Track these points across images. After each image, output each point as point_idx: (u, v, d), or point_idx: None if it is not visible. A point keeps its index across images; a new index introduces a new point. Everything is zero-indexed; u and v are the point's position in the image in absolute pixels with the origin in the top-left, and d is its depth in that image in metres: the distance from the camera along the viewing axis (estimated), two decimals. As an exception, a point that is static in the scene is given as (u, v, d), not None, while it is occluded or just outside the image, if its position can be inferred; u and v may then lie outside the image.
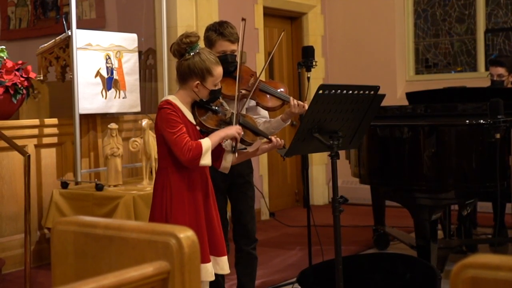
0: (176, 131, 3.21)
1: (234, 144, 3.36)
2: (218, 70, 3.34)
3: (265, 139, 3.56)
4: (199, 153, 3.19)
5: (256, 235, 4.33)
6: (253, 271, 4.36)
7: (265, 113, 4.14)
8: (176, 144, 3.20)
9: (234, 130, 3.33)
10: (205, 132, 3.40)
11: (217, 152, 3.44)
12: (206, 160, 3.22)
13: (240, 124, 3.44)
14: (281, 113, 4.11)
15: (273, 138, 3.48)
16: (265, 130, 3.85)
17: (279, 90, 4.05)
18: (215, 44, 3.99)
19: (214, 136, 3.29)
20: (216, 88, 3.35)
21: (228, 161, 3.49)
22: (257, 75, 3.97)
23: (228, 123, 3.40)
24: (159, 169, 3.39)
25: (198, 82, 3.29)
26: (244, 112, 3.95)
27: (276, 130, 4.04)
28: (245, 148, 3.87)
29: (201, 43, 3.51)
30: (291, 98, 3.99)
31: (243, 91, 3.86)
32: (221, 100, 3.50)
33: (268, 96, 4.02)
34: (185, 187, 3.30)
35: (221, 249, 3.42)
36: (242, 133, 3.36)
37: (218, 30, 4.00)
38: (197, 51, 3.32)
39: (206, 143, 3.23)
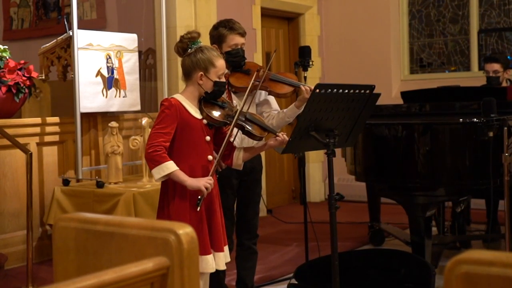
0: (158, 127, 3.30)
1: (199, 197, 3.28)
2: (221, 62, 3.44)
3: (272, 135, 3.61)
4: (158, 161, 3.24)
5: (257, 231, 4.39)
6: (253, 265, 4.41)
7: (275, 105, 4.22)
8: (150, 137, 3.31)
9: (202, 183, 3.28)
10: (213, 126, 3.46)
11: (227, 150, 3.50)
12: (156, 174, 3.25)
13: (246, 119, 3.50)
14: (293, 101, 4.17)
15: (280, 134, 3.53)
16: (280, 120, 3.95)
17: (289, 79, 4.15)
18: (226, 39, 4.08)
19: (182, 175, 3.27)
20: (220, 80, 3.43)
21: (239, 157, 3.55)
22: (266, 67, 4.06)
23: (234, 117, 3.45)
24: None
25: (201, 73, 3.39)
26: (254, 106, 4.05)
27: (291, 118, 4.08)
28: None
29: (203, 41, 3.59)
30: (301, 84, 4.07)
31: (254, 82, 3.97)
32: (226, 99, 3.58)
33: (279, 83, 4.11)
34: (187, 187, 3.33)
35: (219, 244, 3.45)
36: (211, 187, 3.29)
37: (228, 25, 4.09)
38: (199, 46, 3.44)
39: (171, 165, 3.25)
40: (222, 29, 4.10)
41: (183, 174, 3.29)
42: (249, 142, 3.90)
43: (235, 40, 4.08)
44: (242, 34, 4.12)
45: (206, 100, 3.46)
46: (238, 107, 3.57)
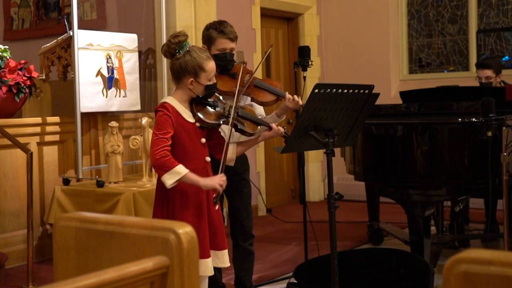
0: (159, 133, 3.25)
1: (215, 195, 3.30)
2: (210, 65, 3.36)
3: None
4: (168, 166, 3.20)
5: (252, 231, 4.38)
6: (250, 266, 4.42)
7: (261, 110, 4.16)
8: (153, 144, 3.25)
9: (216, 181, 3.27)
10: (205, 128, 3.42)
11: (220, 144, 3.48)
12: (169, 179, 3.20)
13: (239, 116, 3.48)
14: (276, 109, 4.14)
15: (273, 125, 3.52)
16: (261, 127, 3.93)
17: (274, 87, 4.10)
18: (215, 42, 4.04)
19: (193, 176, 3.24)
20: (211, 82, 3.37)
21: (232, 152, 3.52)
22: (253, 72, 4.05)
23: (227, 116, 3.43)
24: None
25: (192, 79, 3.32)
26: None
27: None
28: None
29: (195, 42, 3.55)
30: (286, 93, 4.04)
31: (239, 87, 3.94)
32: (218, 96, 3.54)
33: (262, 91, 4.05)
34: (188, 184, 3.31)
35: (221, 243, 3.47)
36: (225, 184, 3.29)
37: (219, 28, 4.05)
38: (187, 49, 3.35)
39: (181, 169, 3.21)
40: (213, 31, 4.06)
41: (194, 175, 3.25)
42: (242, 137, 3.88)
43: (223, 44, 4.04)
44: (232, 39, 4.07)
45: (197, 102, 3.42)
46: (230, 103, 3.52)
